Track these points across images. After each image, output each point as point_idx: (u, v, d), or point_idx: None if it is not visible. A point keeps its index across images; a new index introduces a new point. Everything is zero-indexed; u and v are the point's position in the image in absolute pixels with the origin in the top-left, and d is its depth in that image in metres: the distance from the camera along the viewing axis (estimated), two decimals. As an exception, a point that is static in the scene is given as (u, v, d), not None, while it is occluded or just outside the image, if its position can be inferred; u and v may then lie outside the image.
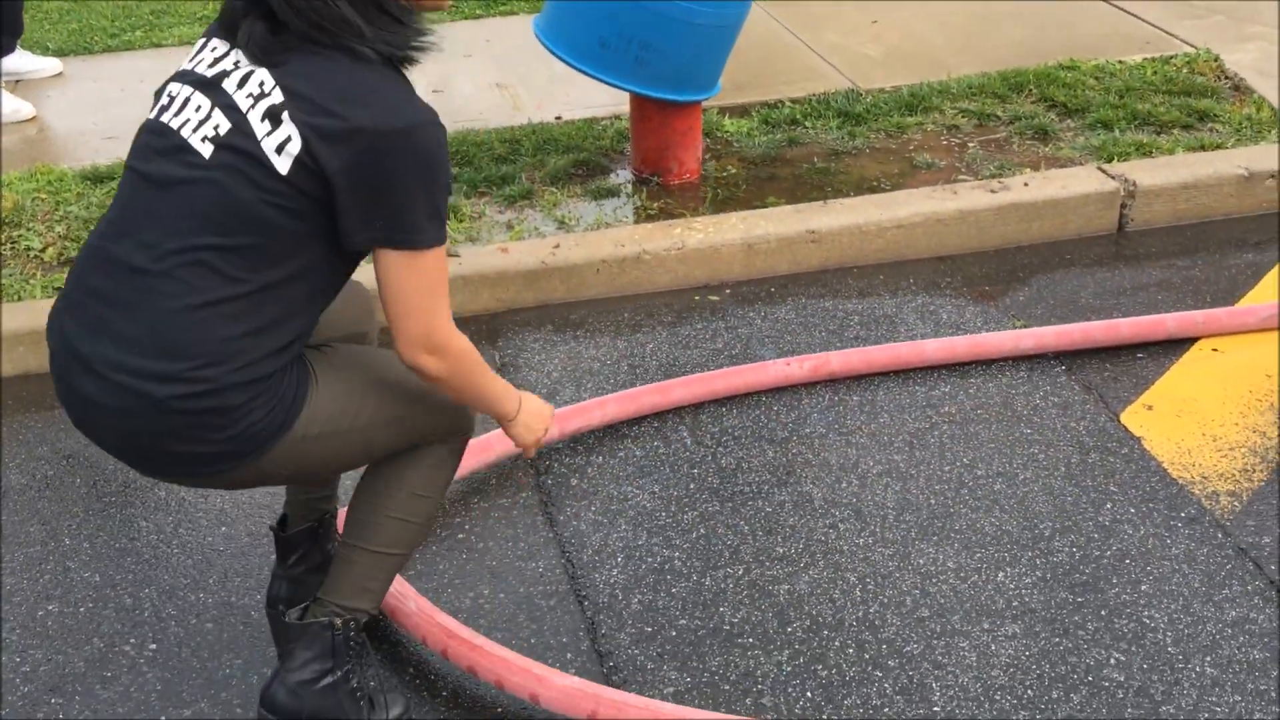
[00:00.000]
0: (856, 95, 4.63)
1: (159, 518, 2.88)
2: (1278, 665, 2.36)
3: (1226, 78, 4.70)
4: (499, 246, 3.71)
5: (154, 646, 2.52)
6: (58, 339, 1.98)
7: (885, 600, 2.55)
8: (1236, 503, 2.79)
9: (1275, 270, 3.72)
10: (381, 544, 2.18)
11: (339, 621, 2.18)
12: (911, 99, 4.56)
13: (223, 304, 1.87)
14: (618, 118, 4.49)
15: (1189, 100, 4.48)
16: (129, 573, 2.72)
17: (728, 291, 3.73)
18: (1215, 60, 4.79)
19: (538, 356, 3.43)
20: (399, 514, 2.17)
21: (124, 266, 1.90)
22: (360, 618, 2.21)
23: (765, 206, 3.92)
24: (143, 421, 1.90)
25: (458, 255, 3.66)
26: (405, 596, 2.45)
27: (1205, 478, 2.87)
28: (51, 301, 3.45)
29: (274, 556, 2.48)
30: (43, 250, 3.78)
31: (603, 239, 3.74)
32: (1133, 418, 3.09)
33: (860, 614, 2.52)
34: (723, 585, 2.61)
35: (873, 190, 4.02)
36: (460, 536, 2.78)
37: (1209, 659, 2.38)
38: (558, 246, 3.71)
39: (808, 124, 4.45)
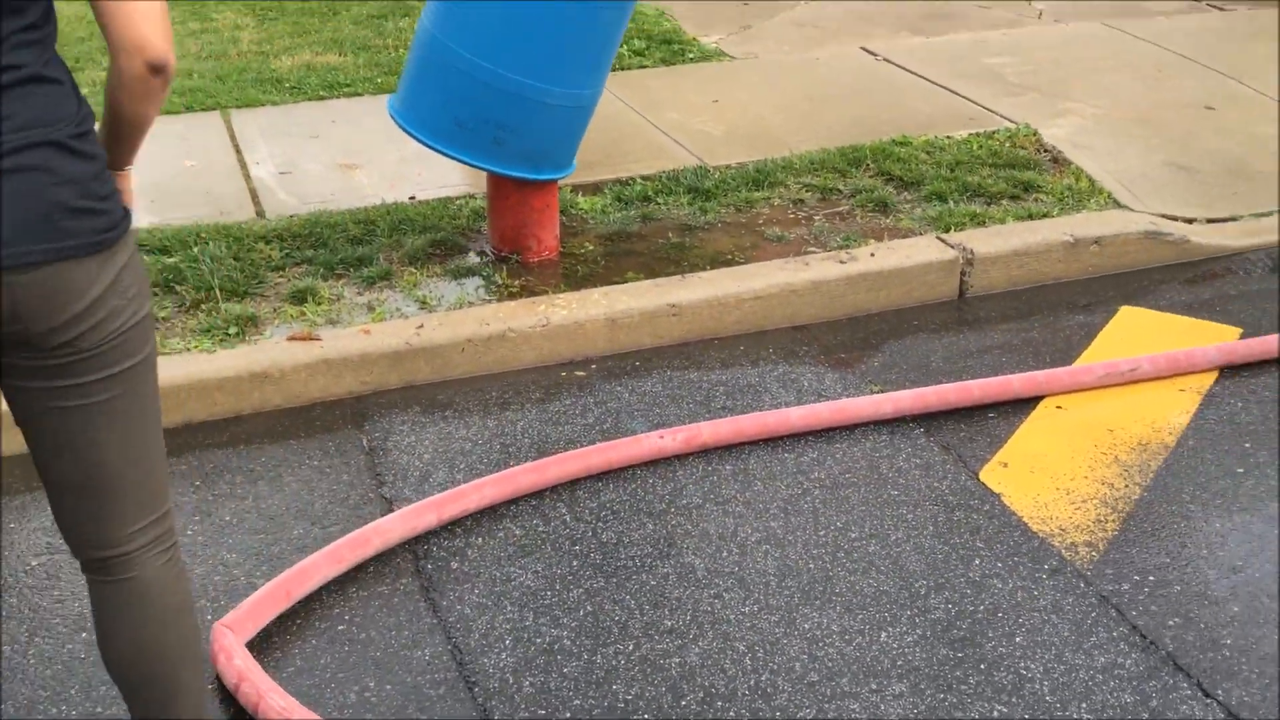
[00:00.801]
0: (705, 172, 4.76)
1: (11, 626, 2.71)
2: (1148, 708, 2.48)
3: (1045, 150, 5.00)
4: (361, 328, 3.66)
5: (15, 766, 2.37)
6: None
7: (775, 667, 2.58)
8: (1094, 552, 2.93)
9: (1106, 329, 3.95)
10: (193, 701, 2.11)
11: None
12: (758, 174, 4.71)
13: (47, 67, 1.81)
14: (472, 196, 4.50)
15: (1014, 172, 4.75)
16: (-18, 688, 2.55)
17: (593, 366, 3.76)
18: (1034, 134, 5.10)
19: (408, 439, 3.38)
20: (195, 663, 2.11)
21: None
22: None
23: (624, 282, 3.97)
24: (46, 175, 1.77)
25: (319, 339, 3.59)
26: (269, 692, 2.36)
27: (1063, 530, 3.01)
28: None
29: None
30: None
31: (466, 318, 3.73)
32: (990, 475, 3.22)
33: (752, 682, 2.54)
34: (614, 662, 2.60)
35: (727, 263, 4.12)
36: (340, 628, 2.70)
37: (1084, 705, 2.48)
38: (421, 327, 3.68)
39: (659, 200, 4.55)
